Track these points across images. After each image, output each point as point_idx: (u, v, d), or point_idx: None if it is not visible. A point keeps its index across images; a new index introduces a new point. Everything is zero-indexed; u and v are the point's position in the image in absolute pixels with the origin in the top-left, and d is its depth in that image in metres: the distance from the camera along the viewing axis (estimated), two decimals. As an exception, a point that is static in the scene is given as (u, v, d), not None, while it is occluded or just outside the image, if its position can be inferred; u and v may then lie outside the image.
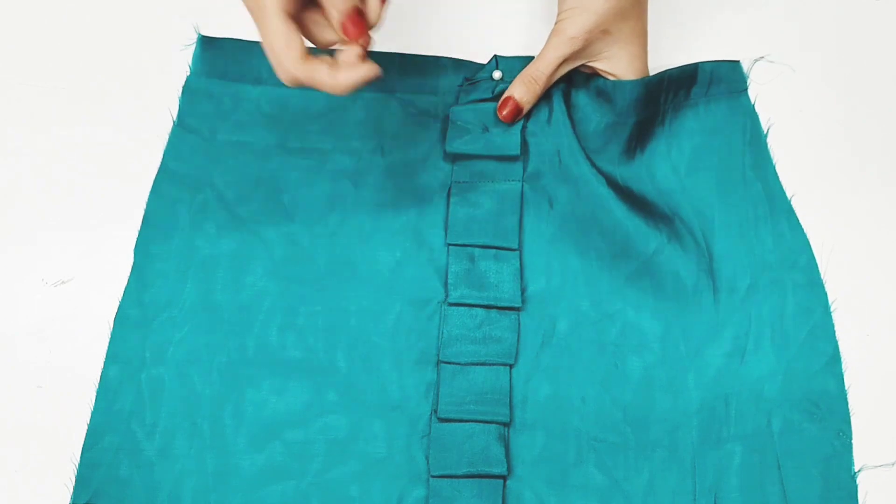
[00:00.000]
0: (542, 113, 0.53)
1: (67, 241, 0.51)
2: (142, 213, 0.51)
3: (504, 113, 0.52)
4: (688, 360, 0.49)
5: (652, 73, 0.54)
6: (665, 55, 0.56)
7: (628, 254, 0.51)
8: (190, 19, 0.56)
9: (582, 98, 0.54)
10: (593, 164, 0.52)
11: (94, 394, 0.47)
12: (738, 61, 0.56)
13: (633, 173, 0.53)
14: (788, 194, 0.52)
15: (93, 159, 0.53)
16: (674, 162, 0.53)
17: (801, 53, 0.57)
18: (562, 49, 0.51)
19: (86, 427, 0.46)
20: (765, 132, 0.54)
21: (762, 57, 0.56)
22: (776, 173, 0.53)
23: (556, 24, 0.51)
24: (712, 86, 0.55)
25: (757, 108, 0.55)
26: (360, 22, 0.42)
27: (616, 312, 0.50)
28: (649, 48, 0.54)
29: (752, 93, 0.55)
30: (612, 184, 0.52)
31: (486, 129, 0.53)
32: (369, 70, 0.43)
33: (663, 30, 0.57)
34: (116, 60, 0.56)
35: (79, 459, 0.46)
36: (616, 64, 0.52)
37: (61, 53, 0.56)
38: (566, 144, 0.53)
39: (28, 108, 0.54)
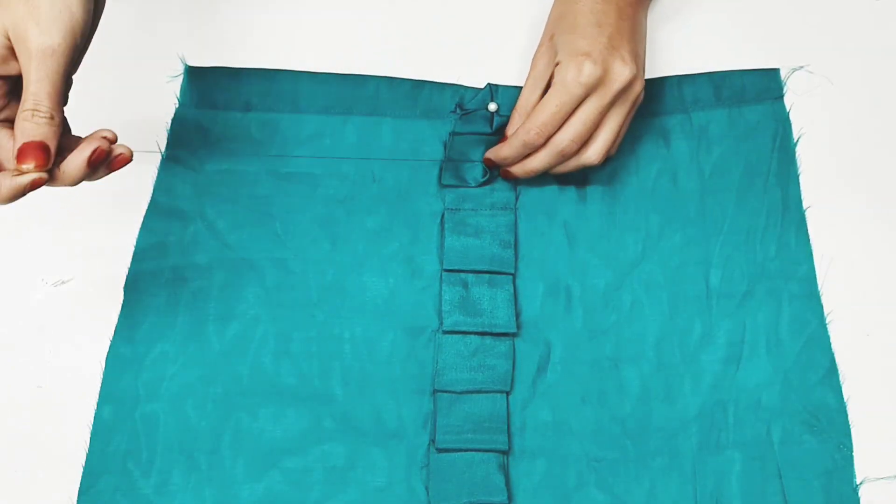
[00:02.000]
0: None
1: (67, 241, 0.51)
2: (143, 212, 0.51)
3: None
4: (683, 367, 0.49)
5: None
6: (704, 61, 0.57)
7: (621, 263, 0.51)
8: (175, 50, 0.55)
9: None
10: (591, 179, 0.53)
11: (95, 393, 0.47)
12: (777, 69, 0.56)
13: (646, 171, 0.54)
14: (805, 205, 0.52)
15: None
16: (700, 164, 0.53)
17: (840, 66, 0.57)
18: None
19: (86, 428, 0.46)
20: (795, 141, 0.54)
21: (801, 67, 0.56)
22: (798, 182, 0.53)
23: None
24: (749, 91, 0.55)
25: (791, 117, 0.55)
26: (42, 154, 0.38)
27: (610, 327, 0.50)
28: (693, 52, 0.56)
29: (787, 101, 0.56)
30: (613, 191, 0.53)
31: (483, 174, 0.53)
32: (37, 177, 0.38)
33: (704, 35, 0.58)
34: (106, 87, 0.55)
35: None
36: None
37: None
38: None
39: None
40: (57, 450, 0.46)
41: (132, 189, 0.52)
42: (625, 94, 0.48)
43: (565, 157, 0.49)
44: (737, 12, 0.59)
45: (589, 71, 0.47)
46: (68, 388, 0.48)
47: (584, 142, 0.49)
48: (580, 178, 0.53)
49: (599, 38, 0.48)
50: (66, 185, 0.40)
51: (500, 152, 0.50)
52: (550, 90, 0.48)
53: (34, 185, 0.38)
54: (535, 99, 0.50)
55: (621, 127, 0.49)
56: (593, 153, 0.49)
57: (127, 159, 0.41)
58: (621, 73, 0.48)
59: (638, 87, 0.49)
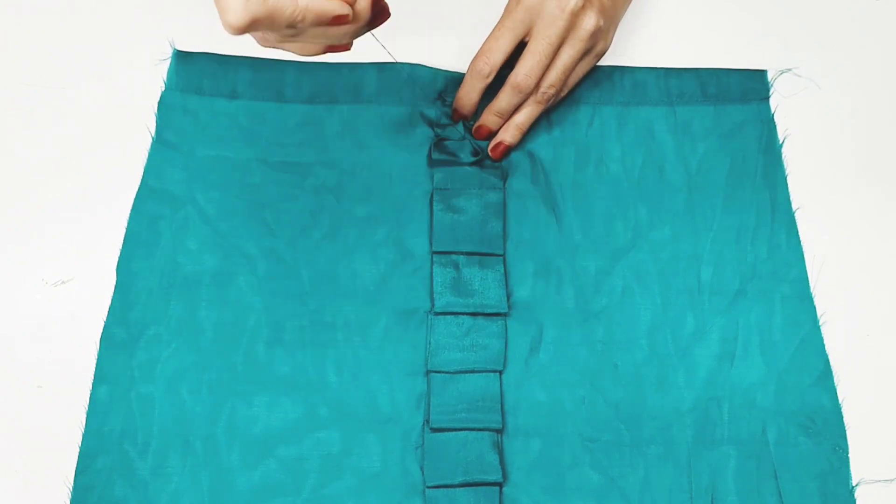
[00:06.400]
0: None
1: (67, 241, 0.51)
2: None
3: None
4: (677, 359, 0.49)
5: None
6: (695, 59, 0.57)
7: (611, 249, 0.52)
8: (165, 34, 0.56)
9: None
10: (578, 164, 0.54)
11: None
12: (764, 70, 0.56)
13: (631, 161, 0.54)
14: (794, 206, 0.52)
15: (93, 159, 0.53)
16: (686, 159, 0.54)
17: (827, 71, 0.57)
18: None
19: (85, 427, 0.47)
20: (780, 142, 0.54)
21: (789, 69, 0.56)
22: (786, 184, 0.53)
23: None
24: (735, 90, 0.56)
25: (775, 119, 0.55)
26: None
27: (602, 310, 0.50)
28: (684, 50, 0.57)
29: (773, 102, 0.56)
30: (599, 177, 0.53)
31: (475, 154, 0.53)
32: (343, 12, 0.39)
33: (696, 33, 0.58)
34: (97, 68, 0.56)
35: (72, 483, 0.46)
36: None
37: (57, 56, 0.56)
38: (548, 147, 0.54)
39: (29, 109, 0.54)
40: (57, 450, 0.46)
41: (133, 188, 0.52)
42: (574, 30, 0.50)
43: (523, 91, 0.51)
44: (729, 12, 0.59)
45: None
46: (68, 388, 0.48)
47: (538, 76, 0.51)
48: (566, 160, 0.54)
49: None
50: (350, 36, 0.41)
51: (459, 94, 0.52)
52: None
53: (338, 20, 0.39)
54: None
55: (570, 67, 0.51)
56: (543, 86, 0.51)
57: (388, 15, 0.43)
58: (564, 3, 0.49)
59: (587, 23, 0.50)
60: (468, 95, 0.52)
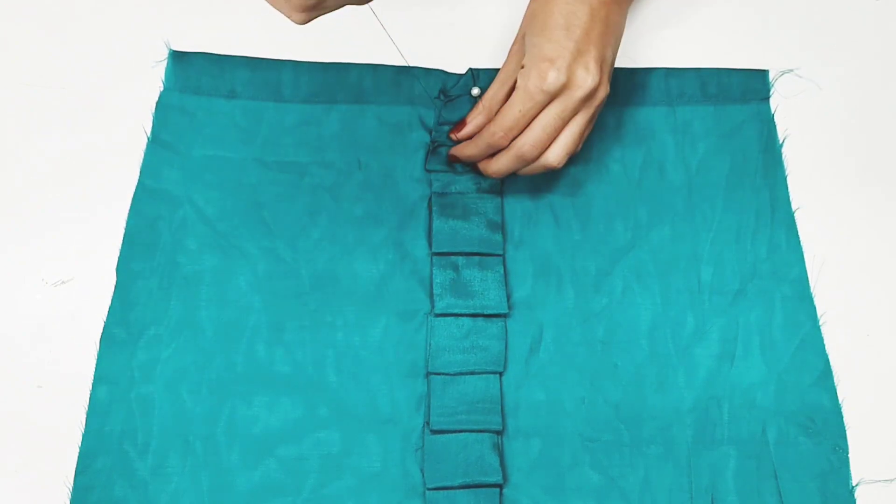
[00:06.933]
0: None
1: (67, 241, 0.51)
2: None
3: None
4: (677, 359, 0.49)
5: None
6: (696, 58, 0.57)
7: (611, 249, 0.52)
8: (161, 35, 0.56)
9: None
10: (577, 163, 0.53)
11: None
12: (765, 70, 0.57)
13: (631, 161, 0.54)
14: (794, 206, 0.53)
15: (93, 159, 0.53)
16: (686, 159, 0.54)
17: (828, 72, 0.57)
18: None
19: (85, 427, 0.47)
20: (780, 142, 0.54)
21: (791, 70, 0.57)
22: (786, 184, 0.54)
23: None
24: (735, 90, 0.56)
25: (776, 119, 0.55)
26: None
27: (602, 310, 0.50)
28: (686, 50, 0.57)
29: (773, 103, 0.56)
30: (598, 177, 0.54)
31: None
32: None
33: (698, 33, 0.58)
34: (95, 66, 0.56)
35: (72, 483, 0.46)
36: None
37: (57, 56, 0.56)
38: None
39: (29, 109, 0.54)
40: (57, 450, 0.46)
41: (133, 189, 0.52)
42: (588, 101, 0.48)
43: (526, 161, 0.49)
44: (732, 12, 0.59)
45: (552, 79, 0.46)
46: (68, 388, 0.48)
47: (546, 146, 0.48)
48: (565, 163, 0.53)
49: (566, 42, 0.47)
50: None
51: (465, 151, 0.51)
52: (514, 94, 0.47)
53: None
54: (502, 96, 0.50)
55: (583, 131, 0.49)
56: (553, 156, 0.48)
57: None
58: (584, 81, 0.47)
59: (601, 93, 0.48)
60: (473, 157, 0.51)
